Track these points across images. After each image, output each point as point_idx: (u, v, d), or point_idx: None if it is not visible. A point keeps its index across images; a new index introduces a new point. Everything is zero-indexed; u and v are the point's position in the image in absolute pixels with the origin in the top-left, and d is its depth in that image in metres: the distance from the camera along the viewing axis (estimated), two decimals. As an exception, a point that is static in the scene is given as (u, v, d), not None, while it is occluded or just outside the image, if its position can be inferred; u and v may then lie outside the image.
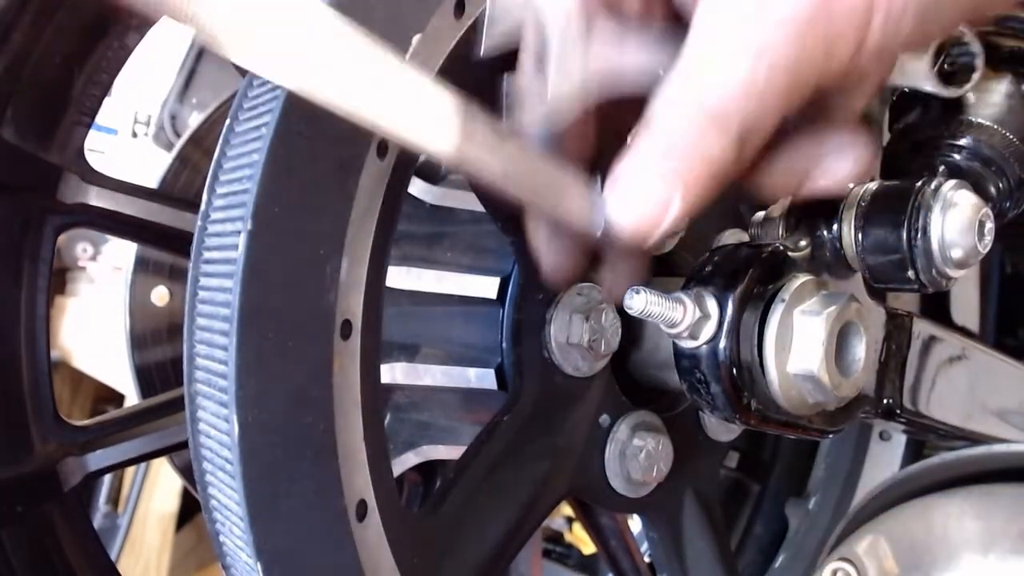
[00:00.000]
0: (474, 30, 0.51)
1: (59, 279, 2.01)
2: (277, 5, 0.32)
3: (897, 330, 0.64)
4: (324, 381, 0.45)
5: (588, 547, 1.47)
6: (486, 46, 0.40)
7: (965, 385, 0.73)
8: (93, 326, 1.87)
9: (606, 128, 0.51)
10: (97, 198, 0.68)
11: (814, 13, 0.40)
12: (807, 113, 0.46)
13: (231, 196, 0.43)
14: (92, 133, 0.68)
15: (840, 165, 0.49)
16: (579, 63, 0.43)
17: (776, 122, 0.44)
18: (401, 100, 0.37)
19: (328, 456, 0.45)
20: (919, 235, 0.54)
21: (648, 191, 0.44)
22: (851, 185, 0.60)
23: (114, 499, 1.74)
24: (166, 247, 0.80)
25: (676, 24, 0.49)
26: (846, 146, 0.49)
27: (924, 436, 1.03)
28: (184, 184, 1.26)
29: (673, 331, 0.53)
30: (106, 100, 0.67)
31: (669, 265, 0.72)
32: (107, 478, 1.73)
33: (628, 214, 0.45)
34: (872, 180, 0.60)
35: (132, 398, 1.38)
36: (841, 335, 0.54)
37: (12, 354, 0.62)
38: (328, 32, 0.34)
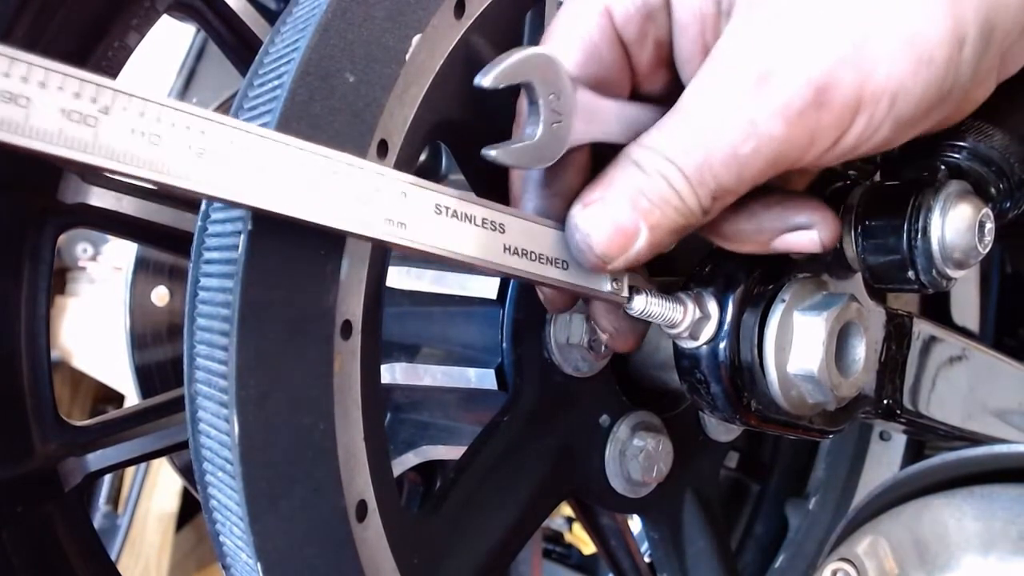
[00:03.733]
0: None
1: (59, 279, 2.01)
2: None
3: (897, 330, 0.64)
4: (324, 381, 0.45)
5: (588, 547, 1.47)
6: (488, 79, 0.43)
7: (965, 385, 0.73)
8: (93, 326, 1.87)
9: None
10: (97, 198, 0.67)
11: (807, 105, 0.42)
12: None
13: (231, 196, 0.43)
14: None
15: (810, 236, 0.51)
16: (563, 129, 0.46)
17: (747, 190, 0.46)
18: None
19: (328, 456, 0.45)
20: (919, 235, 0.54)
21: (620, 218, 0.46)
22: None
23: (114, 499, 1.74)
24: (166, 247, 0.80)
25: (671, 88, 0.51)
26: (816, 217, 0.51)
27: (924, 436, 1.03)
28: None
29: (673, 331, 0.54)
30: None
31: (670, 265, 0.72)
32: (107, 478, 1.73)
33: (597, 233, 0.46)
34: (872, 180, 0.60)
35: (132, 398, 1.38)
36: (841, 335, 0.54)
37: (12, 354, 0.62)
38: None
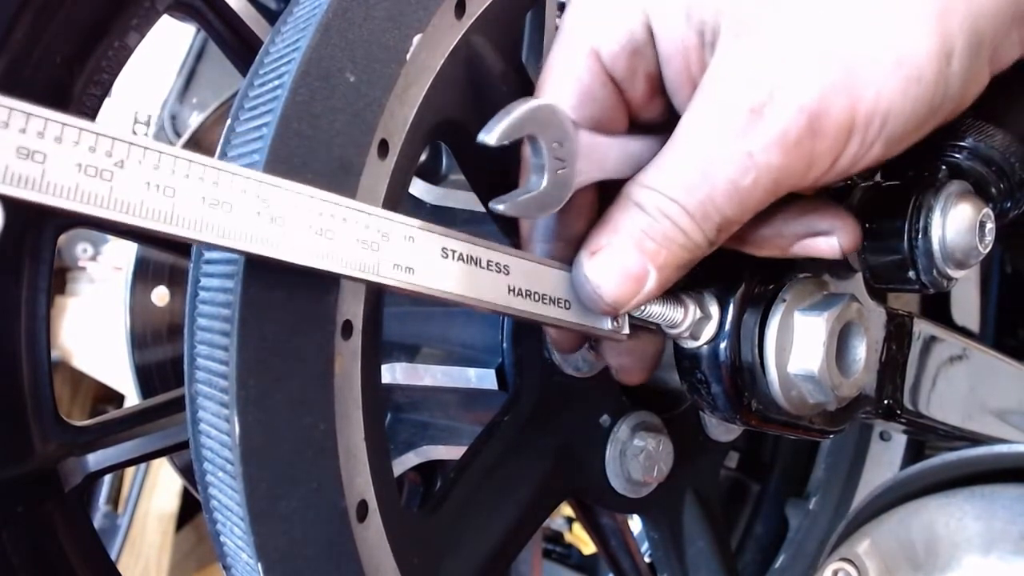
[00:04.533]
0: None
1: (59, 279, 2.01)
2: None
3: (898, 330, 0.64)
4: (325, 381, 0.44)
5: (588, 547, 1.47)
6: (492, 136, 0.44)
7: (965, 385, 0.73)
8: (93, 326, 1.87)
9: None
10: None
11: (802, 133, 0.43)
12: None
13: (232, 196, 0.43)
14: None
15: (830, 242, 0.51)
16: (568, 175, 0.47)
17: (750, 217, 0.47)
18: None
19: (329, 456, 0.45)
20: (920, 235, 0.54)
21: (627, 264, 0.47)
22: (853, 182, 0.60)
23: (114, 499, 1.74)
24: (166, 247, 0.80)
25: (668, 114, 0.51)
26: (836, 224, 0.51)
27: (924, 436, 1.03)
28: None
29: (674, 331, 0.54)
30: (106, 100, 0.67)
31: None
32: (107, 478, 1.73)
33: (607, 282, 0.47)
34: (873, 180, 0.60)
35: (132, 398, 1.38)
36: (842, 335, 0.54)
37: (12, 354, 0.62)
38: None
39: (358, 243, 0.41)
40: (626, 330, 0.51)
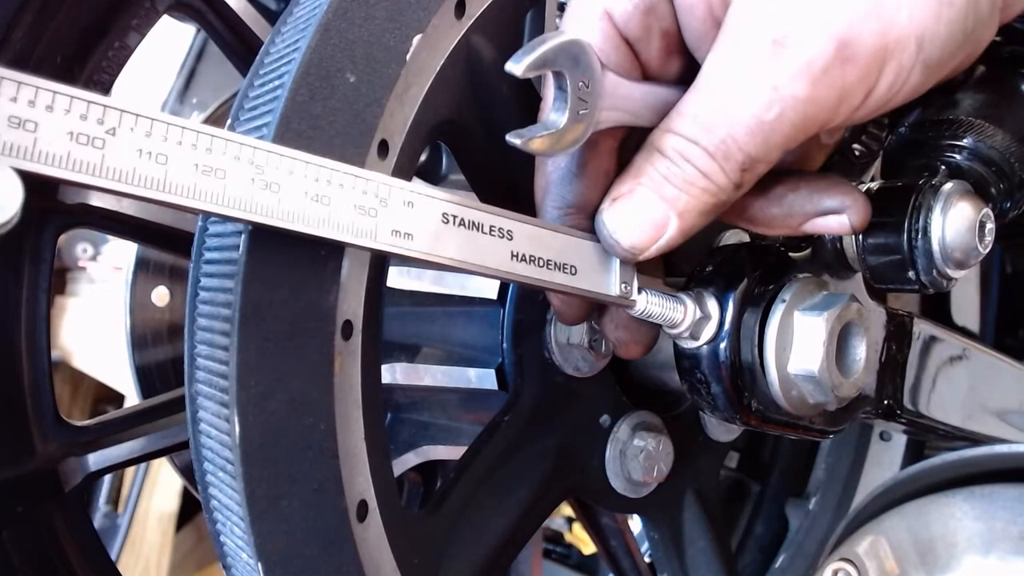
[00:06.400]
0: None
1: (59, 279, 2.01)
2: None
3: (898, 330, 0.64)
4: (325, 381, 0.44)
5: (588, 547, 1.47)
6: (521, 67, 0.42)
7: (965, 385, 0.73)
8: (93, 326, 1.87)
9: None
10: (98, 198, 0.67)
11: (830, 62, 0.41)
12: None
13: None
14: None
15: (841, 220, 0.50)
16: (587, 117, 0.46)
17: (778, 158, 0.45)
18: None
19: (329, 456, 0.45)
20: (919, 236, 0.54)
21: (648, 211, 0.46)
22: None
23: (114, 499, 1.74)
24: (166, 247, 0.80)
25: (688, 68, 0.50)
26: (847, 201, 0.50)
27: (924, 436, 1.03)
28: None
29: (674, 331, 0.53)
30: (106, 100, 0.67)
31: (670, 265, 0.72)
32: (107, 478, 1.73)
33: (626, 231, 0.47)
34: (872, 180, 0.60)
35: (132, 398, 1.38)
36: (842, 335, 0.54)
37: (12, 354, 0.62)
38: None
39: (355, 209, 0.40)
40: (635, 296, 0.50)
